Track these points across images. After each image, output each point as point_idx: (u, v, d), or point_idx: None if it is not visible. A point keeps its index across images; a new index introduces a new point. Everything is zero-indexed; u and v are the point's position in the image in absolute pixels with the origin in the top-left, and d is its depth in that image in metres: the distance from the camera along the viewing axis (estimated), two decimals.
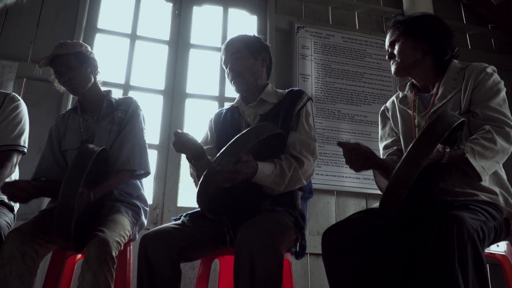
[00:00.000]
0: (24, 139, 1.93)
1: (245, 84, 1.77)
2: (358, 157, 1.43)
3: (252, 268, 1.29)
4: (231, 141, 1.34)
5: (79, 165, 1.44)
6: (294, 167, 1.56)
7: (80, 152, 1.49)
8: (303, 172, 1.59)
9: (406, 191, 1.15)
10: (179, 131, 1.55)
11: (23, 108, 1.98)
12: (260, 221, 1.42)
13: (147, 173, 1.88)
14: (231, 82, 1.80)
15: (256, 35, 1.89)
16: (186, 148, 1.56)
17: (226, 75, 1.82)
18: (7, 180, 1.81)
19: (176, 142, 1.53)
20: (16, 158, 1.88)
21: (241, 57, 1.77)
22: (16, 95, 1.98)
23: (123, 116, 1.89)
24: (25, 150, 1.93)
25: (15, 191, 1.60)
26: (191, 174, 1.74)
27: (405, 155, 1.16)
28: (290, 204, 1.62)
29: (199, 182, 1.34)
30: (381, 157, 1.77)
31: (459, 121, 1.22)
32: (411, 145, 1.16)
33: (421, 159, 1.14)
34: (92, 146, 1.54)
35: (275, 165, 1.54)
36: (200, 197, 1.36)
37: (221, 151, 1.32)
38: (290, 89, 1.81)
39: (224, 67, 1.83)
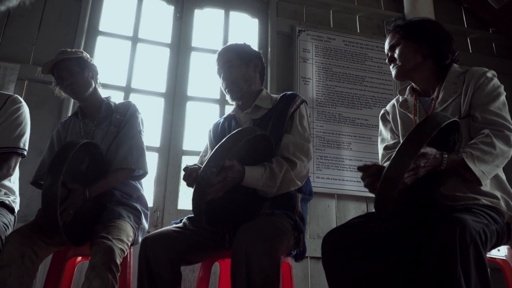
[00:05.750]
0: (24, 142, 1.90)
1: (239, 91, 1.79)
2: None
3: (248, 271, 1.29)
4: (211, 152, 1.35)
5: (61, 155, 1.46)
6: (286, 169, 1.57)
7: (64, 144, 1.53)
8: (297, 173, 1.59)
9: (396, 191, 1.14)
10: (189, 166, 1.54)
11: (25, 110, 1.96)
12: (257, 225, 1.42)
13: (145, 174, 1.90)
14: (225, 91, 1.82)
15: (247, 41, 1.90)
16: None
17: (220, 85, 1.84)
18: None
19: (187, 177, 1.52)
20: (15, 161, 1.85)
21: (233, 66, 1.79)
22: (19, 97, 1.96)
23: (121, 118, 1.92)
24: (25, 153, 1.90)
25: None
26: None
27: (393, 154, 1.16)
28: (290, 207, 1.62)
29: (191, 199, 1.35)
30: (380, 158, 1.76)
31: (449, 121, 1.21)
32: (399, 144, 1.16)
33: (408, 158, 1.13)
34: (78, 140, 1.57)
35: (264, 168, 1.55)
36: (195, 212, 1.36)
37: (204, 164, 1.33)
38: (283, 93, 1.82)
39: (218, 76, 1.86)
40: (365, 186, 1.33)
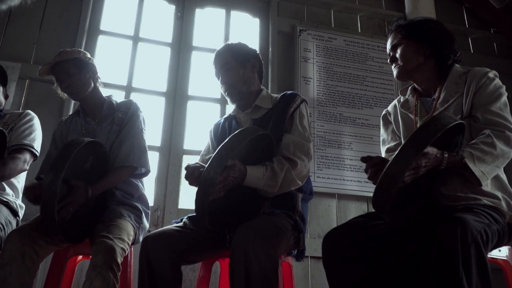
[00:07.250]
0: (38, 145, 1.97)
1: (239, 94, 1.79)
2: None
3: (247, 271, 1.29)
4: (215, 152, 1.34)
5: (64, 153, 1.46)
6: (287, 168, 1.56)
7: (68, 142, 1.53)
8: (297, 173, 1.59)
9: (396, 188, 1.15)
10: (191, 165, 1.52)
11: (37, 121, 2.05)
12: (256, 224, 1.42)
13: (147, 172, 1.91)
14: (225, 94, 1.82)
15: (248, 41, 1.90)
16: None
17: (220, 87, 1.84)
18: (26, 184, 1.82)
19: (189, 176, 1.51)
20: (28, 157, 1.90)
21: (231, 69, 1.78)
22: (31, 111, 2.05)
23: (123, 116, 1.92)
24: (37, 154, 1.96)
25: (37, 193, 1.57)
26: None
27: (396, 153, 1.16)
28: (290, 207, 1.62)
29: (194, 199, 1.34)
30: None
31: (455, 123, 1.21)
32: (403, 143, 1.16)
33: (410, 157, 1.14)
34: (83, 138, 1.57)
35: (266, 167, 1.55)
36: (198, 213, 1.36)
37: (207, 164, 1.33)
38: (283, 92, 1.81)
39: (216, 79, 1.86)
40: (369, 178, 1.35)
